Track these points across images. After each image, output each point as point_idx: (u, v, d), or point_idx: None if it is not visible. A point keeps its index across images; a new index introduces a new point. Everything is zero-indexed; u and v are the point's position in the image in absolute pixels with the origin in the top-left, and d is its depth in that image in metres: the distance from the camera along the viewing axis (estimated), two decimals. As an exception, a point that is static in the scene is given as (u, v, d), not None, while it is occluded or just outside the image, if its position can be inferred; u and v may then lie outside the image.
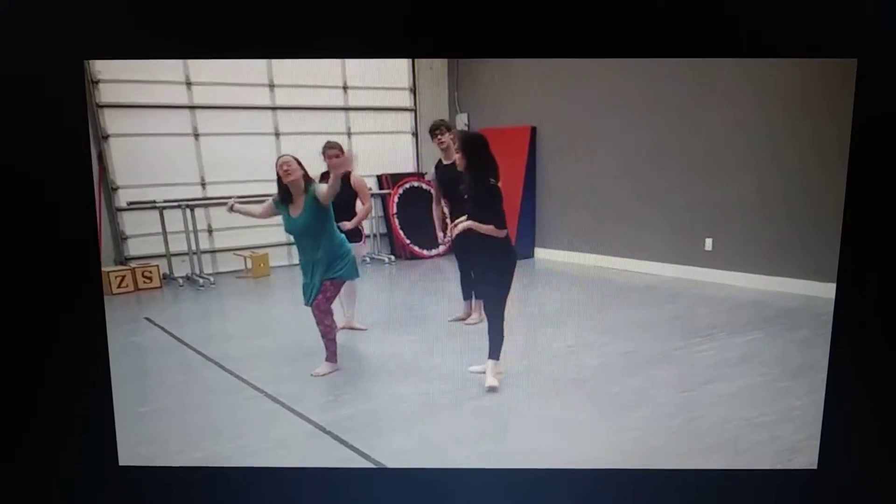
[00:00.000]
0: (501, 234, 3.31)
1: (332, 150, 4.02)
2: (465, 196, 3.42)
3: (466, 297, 4.44)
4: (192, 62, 5.98)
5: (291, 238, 3.78)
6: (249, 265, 6.22)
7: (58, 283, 2.44)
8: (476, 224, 3.31)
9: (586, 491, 2.64)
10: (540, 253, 6.74)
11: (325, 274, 3.61)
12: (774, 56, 2.28)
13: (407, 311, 4.99)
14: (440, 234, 4.34)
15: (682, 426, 3.01)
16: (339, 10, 2.31)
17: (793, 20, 2.24)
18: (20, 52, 2.29)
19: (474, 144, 3.34)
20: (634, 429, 2.99)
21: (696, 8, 2.24)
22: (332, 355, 3.74)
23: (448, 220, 3.92)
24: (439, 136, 4.19)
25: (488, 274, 3.52)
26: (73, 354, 2.49)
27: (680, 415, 3.11)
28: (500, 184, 3.37)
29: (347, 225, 4.03)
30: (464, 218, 3.37)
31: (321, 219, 3.55)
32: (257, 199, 6.08)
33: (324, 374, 3.69)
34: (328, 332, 3.70)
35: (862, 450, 2.52)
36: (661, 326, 4.46)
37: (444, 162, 4.24)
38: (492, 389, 3.41)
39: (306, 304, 3.69)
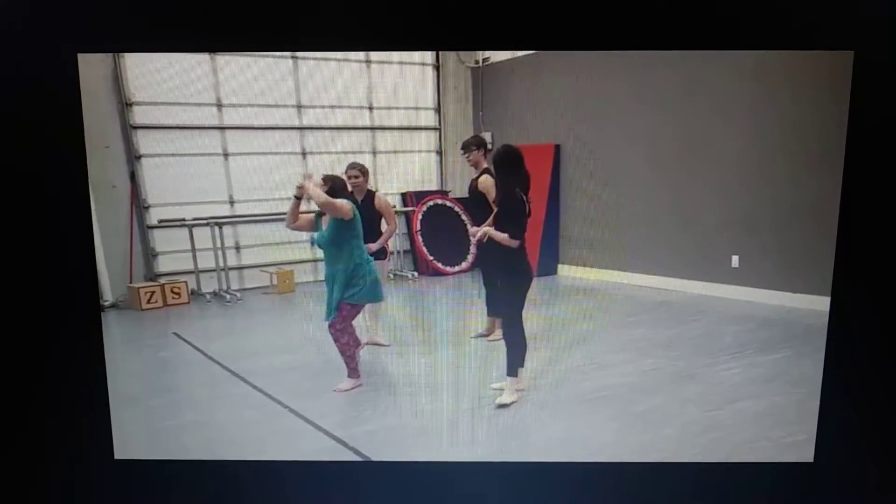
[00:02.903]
0: (514, 243, 3.34)
1: (351, 171, 4.14)
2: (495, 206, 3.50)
3: (491, 313, 4.46)
4: (223, 84, 6.15)
5: (317, 254, 3.87)
6: (275, 281, 6.30)
7: (55, 283, 2.45)
8: (493, 230, 3.36)
9: (584, 484, 2.63)
10: (563, 269, 6.71)
11: (343, 293, 3.66)
12: (771, 48, 2.29)
13: (430, 327, 4.99)
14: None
15: (707, 445, 2.96)
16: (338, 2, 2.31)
17: (790, 13, 2.25)
18: (13, 46, 2.26)
19: (503, 156, 3.40)
20: (659, 449, 2.95)
21: (694, 1, 2.25)
22: (353, 371, 3.76)
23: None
24: (467, 155, 4.28)
25: (501, 291, 3.57)
26: (70, 352, 2.51)
27: (706, 434, 3.06)
28: (528, 197, 3.40)
29: (373, 246, 4.08)
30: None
31: (343, 234, 3.62)
32: (283, 215, 6.21)
33: (346, 390, 3.71)
34: (346, 349, 3.74)
35: (856, 444, 2.52)
36: (686, 344, 4.39)
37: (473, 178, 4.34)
38: (501, 406, 3.41)
39: (325, 320, 3.73)
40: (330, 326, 3.70)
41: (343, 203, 3.59)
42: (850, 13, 2.24)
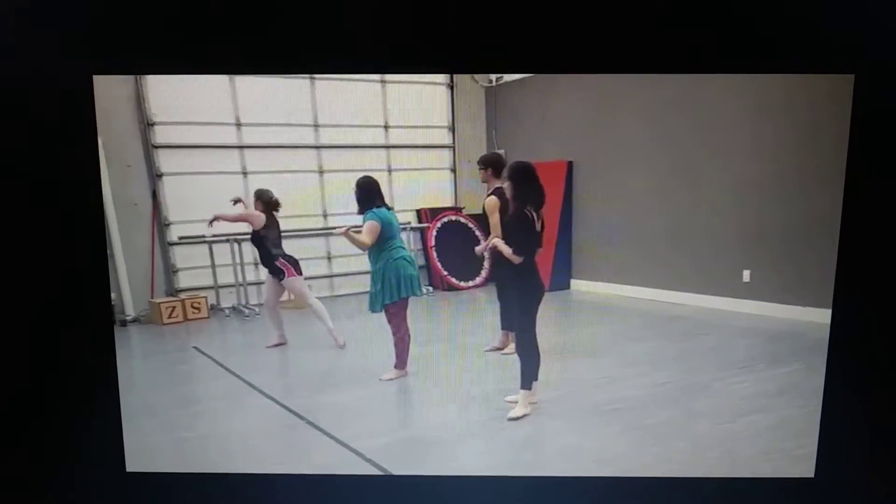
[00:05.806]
0: (516, 259, 3.37)
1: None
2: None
3: (505, 326, 4.50)
4: (241, 104, 6.30)
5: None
6: (292, 296, 6.39)
7: (68, 296, 2.49)
8: (500, 242, 3.42)
9: (586, 499, 2.63)
10: (576, 284, 6.74)
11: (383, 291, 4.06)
12: (773, 72, 2.32)
13: (444, 341, 5.04)
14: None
15: (720, 458, 2.97)
16: (344, 25, 2.35)
17: (791, 37, 2.28)
18: (30, 68, 2.31)
19: (516, 171, 3.44)
20: (671, 461, 2.96)
21: (697, 25, 2.30)
22: (401, 363, 4.14)
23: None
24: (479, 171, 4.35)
25: (512, 305, 3.62)
26: (83, 365, 2.55)
27: (718, 447, 3.07)
28: (539, 213, 3.43)
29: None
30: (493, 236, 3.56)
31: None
32: (301, 232, 6.32)
33: (390, 379, 4.08)
34: (398, 342, 4.13)
35: (857, 459, 2.50)
36: (698, 358, 4.40)
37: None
38: (512, 419, 3.45)
39: (369, 310, 4.14)
40: (388, 321, 4.13)
41: (370, 227, 3.99)
42: (851, 38, 2.28)
